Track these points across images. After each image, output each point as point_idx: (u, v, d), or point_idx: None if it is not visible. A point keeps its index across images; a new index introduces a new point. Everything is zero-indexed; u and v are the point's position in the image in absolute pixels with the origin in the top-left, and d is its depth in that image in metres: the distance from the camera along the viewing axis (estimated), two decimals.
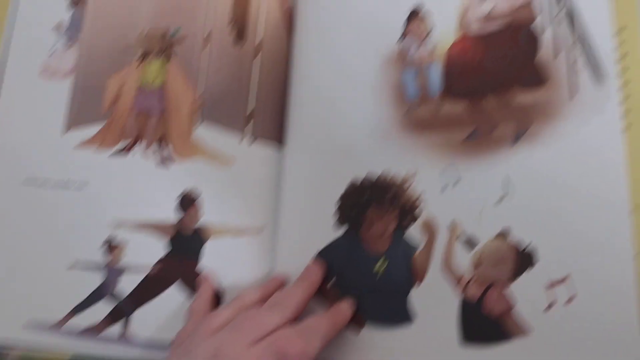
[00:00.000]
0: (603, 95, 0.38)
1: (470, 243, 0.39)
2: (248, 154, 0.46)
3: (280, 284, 0.43)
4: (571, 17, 0.40)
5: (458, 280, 0.39)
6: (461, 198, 0.40)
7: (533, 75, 0.41)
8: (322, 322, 0.38)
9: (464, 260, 0.39)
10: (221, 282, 0.44)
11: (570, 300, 0.37)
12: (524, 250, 0.38)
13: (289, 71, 0.50)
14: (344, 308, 0.41)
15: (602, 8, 0.40)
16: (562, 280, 0.37)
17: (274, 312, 0.37)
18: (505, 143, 0.40)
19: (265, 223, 0.46)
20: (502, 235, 0.39)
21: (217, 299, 0.44)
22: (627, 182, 0.37)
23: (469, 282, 0.39)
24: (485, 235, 0.39)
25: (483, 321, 0.38)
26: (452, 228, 0.40)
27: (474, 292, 0.39)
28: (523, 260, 0.38)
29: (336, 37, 0.47)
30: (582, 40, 0.40)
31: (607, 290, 0.36)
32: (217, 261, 0.44)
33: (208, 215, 0.45)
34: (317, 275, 0.42)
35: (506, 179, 0.39)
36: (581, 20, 0.40)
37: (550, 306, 0.37)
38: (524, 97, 0.40)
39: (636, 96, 0.40)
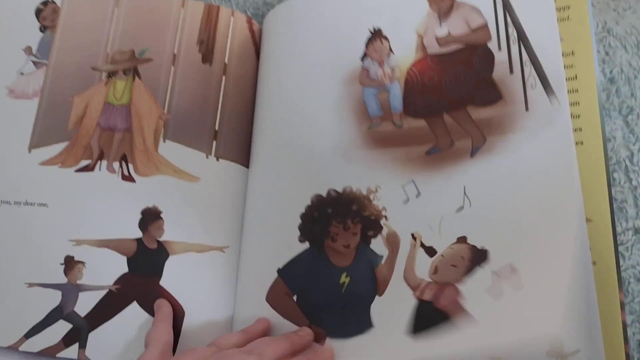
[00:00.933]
0: (554, 110, 0.40)
1: (432, 251, 0.40)
2: (213, 172, 0.47)
3: (264, 329, 0.42)
4: (522, 39, 0.42)
5: (417, 286, 0.40)
6: (423, 210, 0.41)
7: (489, 92, 0.42)
8: None
9: (423, 267, 0.40)
10: (182, 301, 0.43)
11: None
12: (480, 248, 0.39)
13: (255, 91, 0.51)
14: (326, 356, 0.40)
15: (548, 33, 0.42)
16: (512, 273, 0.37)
17: (252, 358, 0.35)
18: (464, 156, 0.41)
19: (229, 241, 0.46)
20: (461, 239, 0.39)
21: (175, 326, 0.42)
22: (580, 195, 0.38)
23: (426, 286, 0.39)
24: (445, 243, 0.40)
25: (434, 312, 0.38)
26: (415, 238, 0.40)
27: (430, 293, 0.39)
28: (478, 256, 0.38)
29: (299, 58, 0.48)
30: (533, 60, 0.42)
31: (568, 297, 0.36)
32: (179, 278, 0.44)
33: (171, 232, 0.45)
34: (308, 338, 0.40)
35: (464, 190, 0.40)
36: (530, 42, 0.42)
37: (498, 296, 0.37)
38: (481, 113, 0.42)
39: (586, 116, 0.42)
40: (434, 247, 0.40)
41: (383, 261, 0.41)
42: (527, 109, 0.41)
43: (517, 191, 0.39)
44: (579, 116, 0.42)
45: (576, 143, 0.41)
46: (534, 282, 0.37)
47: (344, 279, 0.41)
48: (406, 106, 0.44)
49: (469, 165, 0.41)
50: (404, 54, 0.45)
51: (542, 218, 0.38)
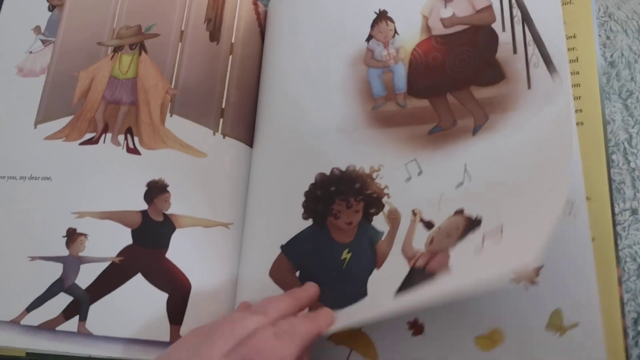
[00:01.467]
0: (555, 88, 0.40)
1: (430, 225, 0.40)
2: (220, 149, 0.47)
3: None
4: (526, 20, 0.43)
5: (412, 257, 0.40)
6: (424, 187, 0.41)
7: (492, 72, 0.42)
8: (303, 324, 0.36)
9: (421, 239, 0.40)
10: (188, 274, 0.43)
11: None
12: (475, 218, 0.38)
13: (260, 73, 0.51)
14: (328, 313, 0.38)
15: (552, 13, 0.42)
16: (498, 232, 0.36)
17: (256, 318, 0.35)
18: (466, 134, 0.41)
19: (234, 217, 0.46)
20: (458, 212, 0.39)
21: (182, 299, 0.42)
22: (581, 173, 0.38)
23: (420, 255, 0.39)
24: (444, 218, 0.40)
25: (421, 274, 0.38)
26: (415, 214, 0.41)
27: (422, 260, 0.39)
28: (471, 225, 0.38)
29: (304, 40, 0.48)
30: (537, 40, 0.42)
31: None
32: (186, 251, 0.44)
33: (177, 205, 0.45)
34: (313, 290, 0.40)
35: (465, 167, 0.40)
36: (534, 22, 0.42)
37: None
38: (483, 92, 0.42)
39: (587, 98, 0.43)
40: (433, 221, 0.40)
41: (383, 237, 0.41)
42: (529, 86, 0.41)
43: (517, 166, 0.39)
44: (579, 98, 0.43)
45: (576, 124, 0.41)
46: (514, 236, 0.35)
47: (345, 255, 0.42)
48: (410, 86, 0.45)
49: (471, 143, 0.41)
50: (409, 35, 0.46)
51: (539, 187, 0.37)
